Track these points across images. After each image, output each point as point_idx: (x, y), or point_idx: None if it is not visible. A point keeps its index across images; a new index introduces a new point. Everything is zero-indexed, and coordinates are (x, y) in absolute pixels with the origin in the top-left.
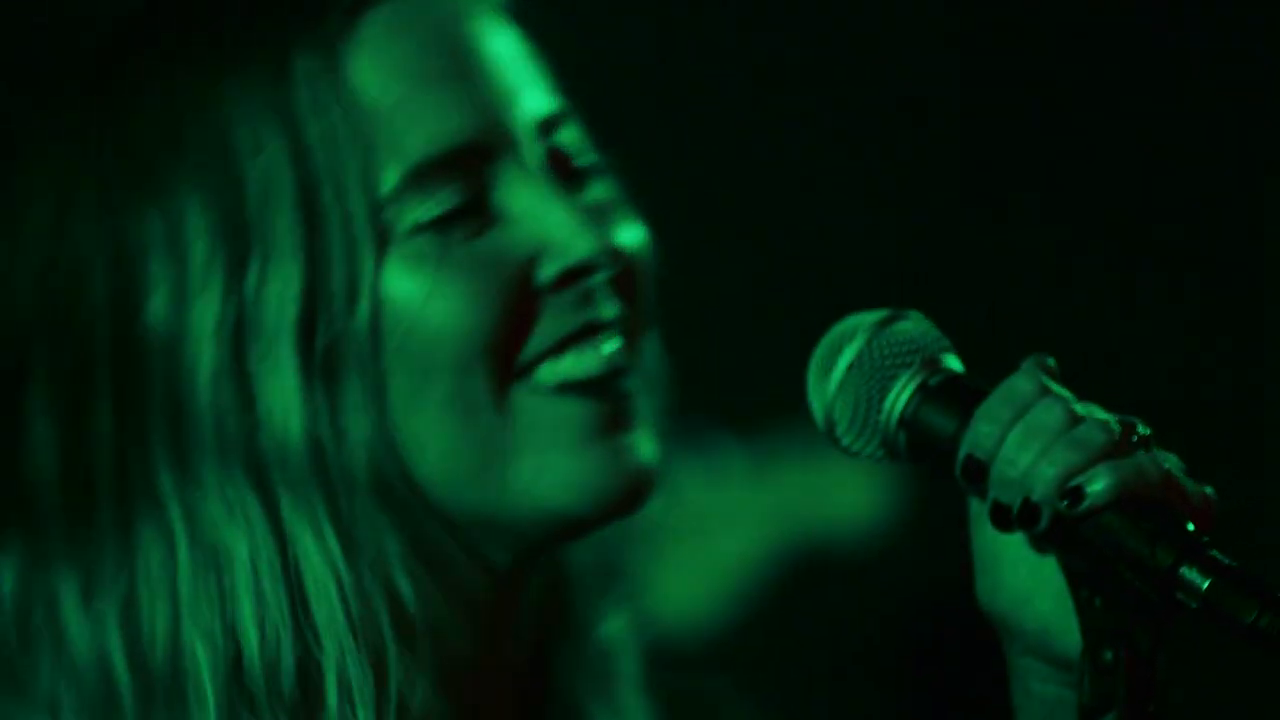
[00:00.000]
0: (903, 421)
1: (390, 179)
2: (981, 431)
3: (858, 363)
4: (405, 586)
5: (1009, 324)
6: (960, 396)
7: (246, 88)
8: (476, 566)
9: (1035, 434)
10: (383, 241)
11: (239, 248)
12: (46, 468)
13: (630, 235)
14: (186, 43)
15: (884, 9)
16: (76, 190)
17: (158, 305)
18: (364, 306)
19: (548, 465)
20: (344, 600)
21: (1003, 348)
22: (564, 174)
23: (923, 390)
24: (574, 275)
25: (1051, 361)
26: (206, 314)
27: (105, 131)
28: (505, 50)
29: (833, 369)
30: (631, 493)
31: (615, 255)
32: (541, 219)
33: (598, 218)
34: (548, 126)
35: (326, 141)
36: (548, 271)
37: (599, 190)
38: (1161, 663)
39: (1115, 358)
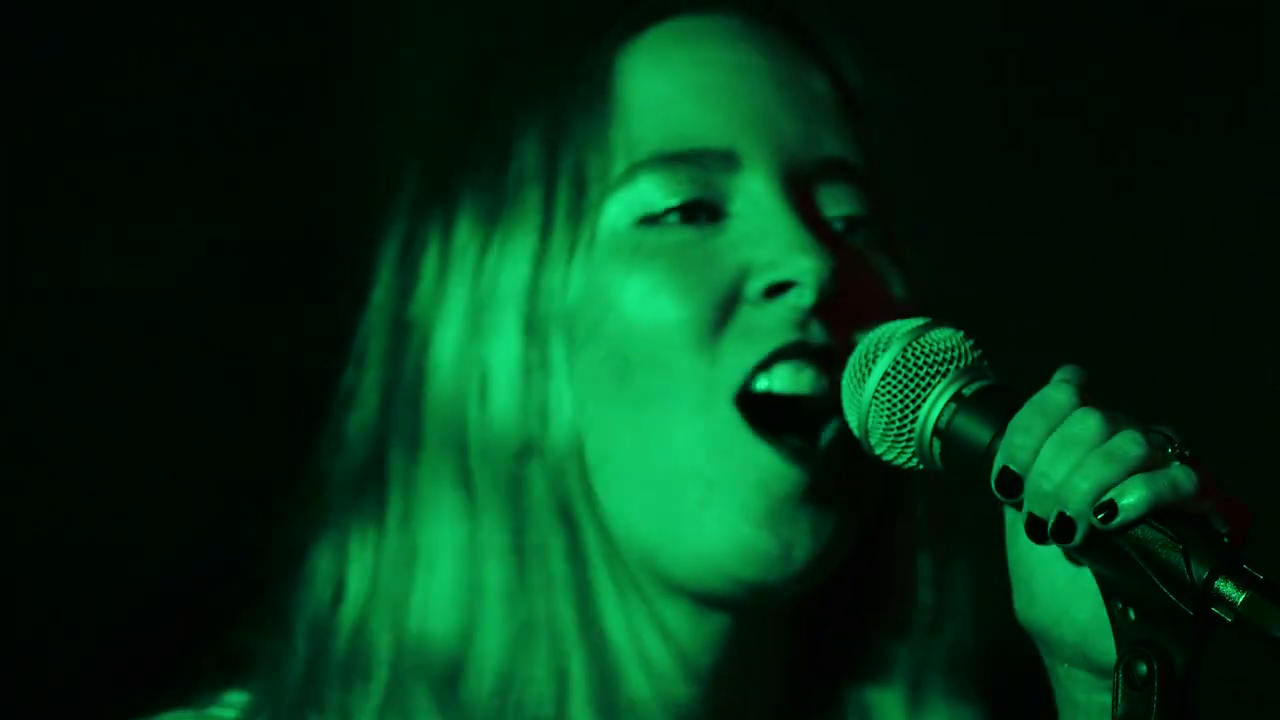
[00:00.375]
0: (937, 431)
1: (619, 168)
2: (1016, 443)
3: (893, 371)
4: (568, 605)
5: (1037, 333)
6: (995, 406)
7: (528, 86)
8: (649, 603)
9: (1069, 446)
10: (603, 226)
11: (490, 230)
12: (333, 450)
13: (885, 285)
14: (491, 62)
15: (885, 10)
16: (392, 209)
17: (422, 294)
18: (574, 284)
19: (727, 515)
20: (519, 603)
21: (1033, 358)
22: (818, 215)
23: (957, 399)
24: (778, 290)
25: (1084, 372)
26: (454, 296)
27: (419, 150)
28: (808, 90)
29: (868, 377)
30: (793, 572)
31: (831, 284)
32: (764, 234)
33: (843, 260)
34: (823, 168)
35: (581, 130)
36: (756, 283)
37: (864, 245)
38: (1196, 675)
39: (1150, 368)
